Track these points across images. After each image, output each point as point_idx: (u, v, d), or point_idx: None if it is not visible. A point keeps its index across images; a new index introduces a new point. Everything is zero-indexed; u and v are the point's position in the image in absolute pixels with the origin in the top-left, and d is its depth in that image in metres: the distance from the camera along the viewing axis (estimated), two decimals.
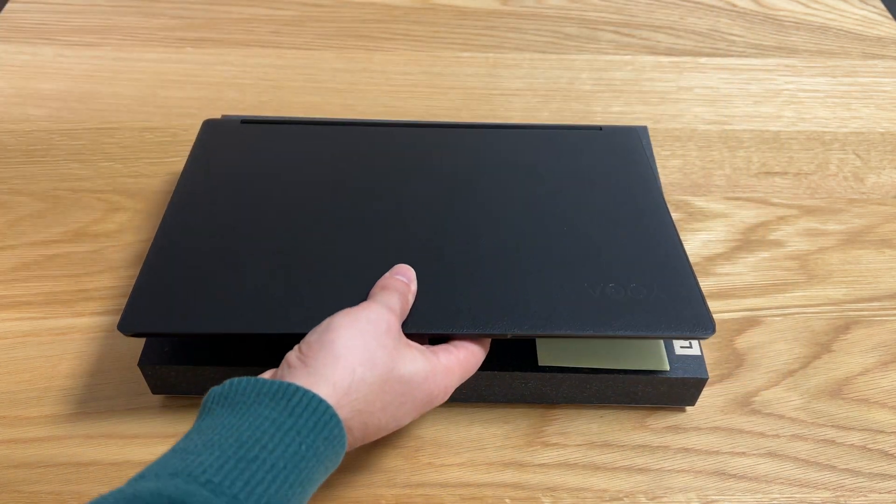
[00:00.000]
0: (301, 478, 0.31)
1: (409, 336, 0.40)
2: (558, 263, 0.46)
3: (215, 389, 0.34)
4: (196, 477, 0.29)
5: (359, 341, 0.36)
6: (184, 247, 0.46)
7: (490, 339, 0.43)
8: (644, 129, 0.66)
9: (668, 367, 0.45)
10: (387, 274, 0.43)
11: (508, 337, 0.42)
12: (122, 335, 0.50)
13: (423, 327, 0.42)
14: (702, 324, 0.43)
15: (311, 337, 0.37)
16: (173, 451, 0.31)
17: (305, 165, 0.54)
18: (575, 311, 0.43)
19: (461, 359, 0.40)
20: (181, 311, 0.42)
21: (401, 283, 0.42)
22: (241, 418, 0.32)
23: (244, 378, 0.34)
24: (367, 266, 0.44)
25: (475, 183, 0.52)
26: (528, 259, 0.46)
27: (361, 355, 0.36)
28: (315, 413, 0.33)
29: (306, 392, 0.33)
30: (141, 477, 0.30)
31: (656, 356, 0.46)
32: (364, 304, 0.39)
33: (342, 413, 0.34)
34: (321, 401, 0.33)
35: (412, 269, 0.43)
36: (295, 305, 0.42)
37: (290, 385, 0.33)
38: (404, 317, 0.41)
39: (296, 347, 0.37)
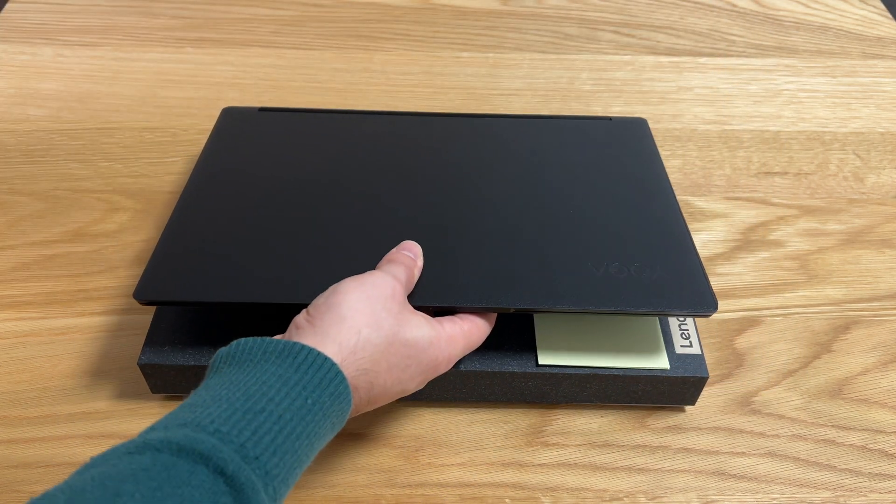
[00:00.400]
0: (308, 430, 0.32)
1: (416, 308, 0.41)
2: (563, 243, 0.47)
3: (222, 350, 0.35)
4: (205, 427, 0.30)
5: (365, 304, 0.37)
6: (200, 223, 0.47)
7: (495, 315, 0.44)
8: None
9: (668, 367, 0.45)
10: (394, 249, 0.44)
11: (511, 311, 0.43)
12: (121, 335, 0.51)
13: (428, 300, 0.43)
14: (704, 301, 0.43)
15: (318, 300, 0.38)
16: (182, 406, 0.32)
17: (320, 149, 0.55)
18: (578, 288, 0.43)
19: (465, 330, 0.41)
20: (195, 282, 0.43)
21: (407, 257, 0.43)
22: (249, 375, 0.33)
23: (251, 338, 0.35)
24: (377, 242, 0.45)
25: (485, 167, 0.53)
26: (533, 238, 0.47)
27: (367, 317, 0.36)
28: (320, 370, 0.33)
29: (311, 350, 0.34)
30: (151, 429, 0.30)
31: (657, 355, 0.46)
32: (370, 272, 0.40)
33: (348, 371, 0.35)
34: (326, 358, 0.34)
35: (419, 246, 0.44)
36: (306, 278, 0.43)
37: (295, 344, 0.34)
38: (409, 290, 0.42)
39: (303, 311, 0.38)
